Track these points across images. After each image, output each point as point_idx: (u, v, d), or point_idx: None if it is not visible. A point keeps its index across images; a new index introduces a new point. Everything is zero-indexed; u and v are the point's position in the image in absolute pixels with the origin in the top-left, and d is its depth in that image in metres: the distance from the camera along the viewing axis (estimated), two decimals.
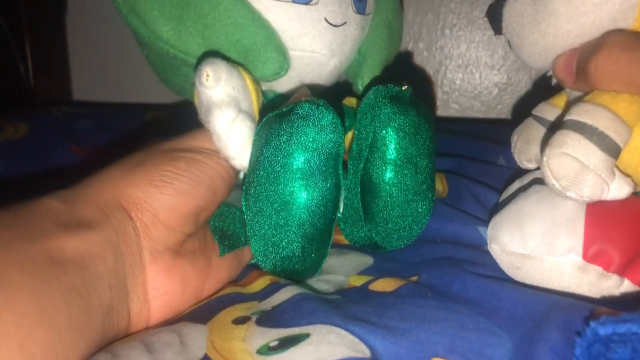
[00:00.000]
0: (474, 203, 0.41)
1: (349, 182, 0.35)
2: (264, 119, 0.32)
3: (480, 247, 0.36)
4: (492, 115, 0.77)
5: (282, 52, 0.35)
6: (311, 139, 0.31)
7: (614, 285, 0.29)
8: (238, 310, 0.29)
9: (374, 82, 0.41)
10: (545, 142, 0.29)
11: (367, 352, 0.24)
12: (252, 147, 0.32)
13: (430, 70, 0.77)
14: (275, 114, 0.32)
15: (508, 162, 0.48)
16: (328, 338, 0.25)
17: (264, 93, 0.37)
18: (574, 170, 0.27)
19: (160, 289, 0.29)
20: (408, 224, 0.36)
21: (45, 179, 0.49)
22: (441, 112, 0.78)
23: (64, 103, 0.80)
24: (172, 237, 0.29)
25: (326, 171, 0.32)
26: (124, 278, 0.27)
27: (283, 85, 0.38)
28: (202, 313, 0.29)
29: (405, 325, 0.26)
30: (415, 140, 0.34)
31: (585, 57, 0.30)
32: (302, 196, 0.31)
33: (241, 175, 0.36)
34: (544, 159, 0.28)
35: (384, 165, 0.34)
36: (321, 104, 0.31)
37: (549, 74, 0.34)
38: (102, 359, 0.25)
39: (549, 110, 0.36)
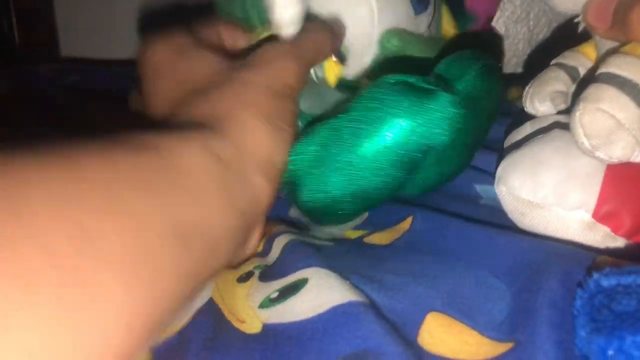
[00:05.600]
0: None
1: None
2: (378, 81, 0.29)
3: (476, 201, 0.35)
4: None
5: None
6: (426, 129, 0.28)
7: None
8: (242, 267, 0.28)
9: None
10: (576, 96, 0.27)
11: (366, 299, 0.24)
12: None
13: None
14: (400, 80, 0.28)
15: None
16: (328, 282, 0.24)
17: None
18: (609, 128, 0.25)
19: None
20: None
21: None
22: None
23: (50, 60, 0.78)
24: None
25: (411, 162, 0.29)
26: None
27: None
28: None
29: (401, 280, 0.25)
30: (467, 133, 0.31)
31: (626, 3, 0.27)
32: (373, 178, 0.29)
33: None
34: (577, 114, 0.26)
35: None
36: (457, 100, 0.28)
37: (576, 20, 0.32)
38: None
39: (571, 56, 0.34)
